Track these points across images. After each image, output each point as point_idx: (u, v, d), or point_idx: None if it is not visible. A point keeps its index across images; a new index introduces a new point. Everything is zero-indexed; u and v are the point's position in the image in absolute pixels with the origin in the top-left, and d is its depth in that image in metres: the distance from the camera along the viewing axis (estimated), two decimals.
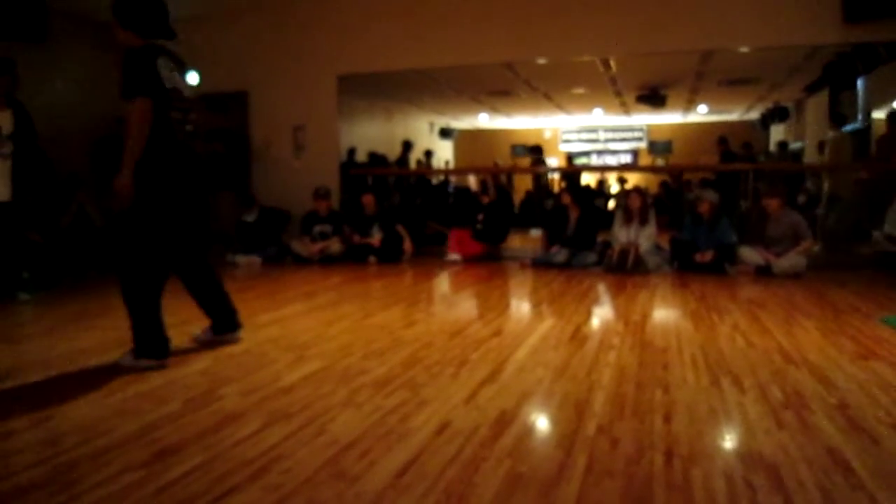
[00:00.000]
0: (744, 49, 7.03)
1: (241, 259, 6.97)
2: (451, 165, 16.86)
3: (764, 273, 5.87)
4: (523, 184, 13.82)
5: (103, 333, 3.71)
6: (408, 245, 7.15)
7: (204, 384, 2.75)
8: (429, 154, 15.01)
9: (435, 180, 12.96)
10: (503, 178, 13.37)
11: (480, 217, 7.42)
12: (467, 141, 17.61)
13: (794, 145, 12.62)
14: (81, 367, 3.01)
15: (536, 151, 13.01)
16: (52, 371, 2.95)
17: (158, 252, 2.98)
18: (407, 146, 12.61)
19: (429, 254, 7.59)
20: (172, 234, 3.05)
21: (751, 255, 6.00)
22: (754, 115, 14.26)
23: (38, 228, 5.63)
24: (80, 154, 7.37)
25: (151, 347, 2.97)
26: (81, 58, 7.77)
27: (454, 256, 7.22)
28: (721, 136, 10.20)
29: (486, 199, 7.67)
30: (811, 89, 10.97)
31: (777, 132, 13.76)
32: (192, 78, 7.85)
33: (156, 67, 2.86)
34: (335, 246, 7.03)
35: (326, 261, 6.94)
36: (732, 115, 15.05)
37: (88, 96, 7.75)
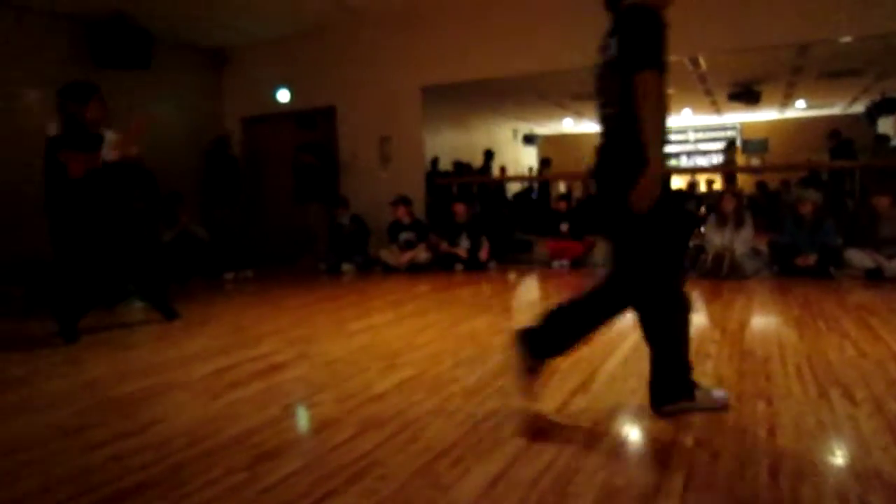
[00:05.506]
0: (845, 39, 6.62)
1: (347, 267, 7.24)
2: (535, 172, 16.76)
3: (874, 277, 5.49)
4: None
5: (207, 341, 3.91)
6: (484, 253, 7.12)
7: (300, 391, 2.85)
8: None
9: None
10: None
11: (565, 228, 7.31)
12: (552, 147, 17.43)
13: None
14: (188, 373, 3.18)
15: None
16: (161, 376, 3.14)
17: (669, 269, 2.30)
18: (489, 155, 12.64)
19: (515, 261, 7.56)
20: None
21: (859, 257, 5.62)
22: (859, 108, 13.40)
23: (144, 242, 6.03)
24: (184, 172, 7.83)
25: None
26: (183, 82, 8.31)
27: (561, 263, 7.17)
28: (834, 130, 9.62)
29: (563, 206, 7.55)
30: None
31: (886, 125, 12.87)
32: (284, 95, 8.22)
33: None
34: (423, 254, 7.13)
35: (413, 269, 7.04)
36: (834, 110, 14.21)
37: (188, 118, 8.29)
